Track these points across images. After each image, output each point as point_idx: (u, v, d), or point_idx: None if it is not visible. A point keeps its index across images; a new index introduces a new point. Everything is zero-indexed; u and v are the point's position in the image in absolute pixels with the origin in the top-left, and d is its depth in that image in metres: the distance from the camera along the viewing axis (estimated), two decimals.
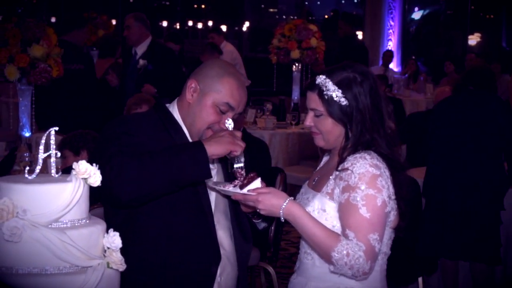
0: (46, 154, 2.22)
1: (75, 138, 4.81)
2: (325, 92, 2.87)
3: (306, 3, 21.75)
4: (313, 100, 2.92)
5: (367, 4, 17.70)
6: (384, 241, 2.86)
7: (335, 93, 2.86)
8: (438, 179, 5.46)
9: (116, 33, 10.70)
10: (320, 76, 2.92)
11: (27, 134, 5.70)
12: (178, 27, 20.52)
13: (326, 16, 24.73)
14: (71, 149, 4.77)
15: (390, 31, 17.12)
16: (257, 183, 2.84)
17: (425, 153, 5.70)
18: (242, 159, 3.06)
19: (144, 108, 5.59)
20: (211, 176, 2.90)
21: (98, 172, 2.18)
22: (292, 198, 2.84)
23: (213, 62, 3.23)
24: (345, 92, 2.86)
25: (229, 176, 3.10)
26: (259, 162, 3.15)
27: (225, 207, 3.16)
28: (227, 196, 3.08)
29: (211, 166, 2.92)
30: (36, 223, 2.04)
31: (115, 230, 2.69)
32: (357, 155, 2.82)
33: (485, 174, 5.31)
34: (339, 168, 2.84)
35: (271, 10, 26.67)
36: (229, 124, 3.06)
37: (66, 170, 2.28)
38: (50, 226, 2.07)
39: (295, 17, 10.48)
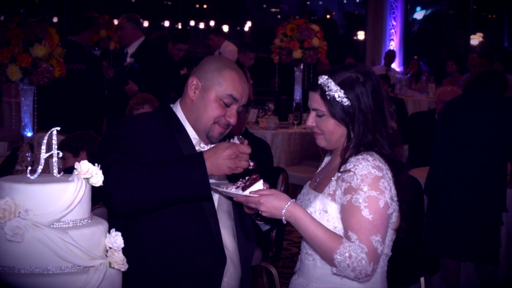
0: (48, 154, 2.22)
1: (74, 139, 4.83)
2: (327, 92, 2.86)
3: (308, 3, 21.75)
4: (315, 100, 2.91)
5: (369, 4, 17.70)
6: (385, 242, 2.85)
7: (337, 93, 2.85)
8: (442, 178, 5.45)
9: (164, 33, 10.73)
10: (323, 76, 2.91)
11: (29, 134, 5.70)
12: (180, 27, 20.53)
13: (328, 16, 24.74)
14: (70, 150, 4.78)
15: (392, 31, 17.12)
16: (259, 184, 2.83)
17: (430, 152, 5.68)
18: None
19: (146, 108, 5.59)
20: (210, 196, 2.91)
21: (100, 172, 2.18)
22: (294, 200, 2.83)
23: (211, 58, 3.23)
24: (348, 93, 2.85)
25: (232, 177, 3.09)
26: (261, 162, 3.15)
27: (229, 207, 3.16)
28: (229, 197, 3.07)
29: None
30: (38, 223, 2.04)
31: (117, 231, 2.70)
32: (359, 157, 2.82)
33: (488, 175, 5.30)
34: (341, 170, 2.83)
35: (273, 10, 26.67)
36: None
37: (67, 170, 2.28)
38: (52, 226, 2.07)
39: (297, 17, 10.48)
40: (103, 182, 2.71)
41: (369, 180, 2.76)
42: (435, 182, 5.49)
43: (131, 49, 8.01)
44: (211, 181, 2.91)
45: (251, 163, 3.01)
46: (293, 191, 7.29)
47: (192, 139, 3.11)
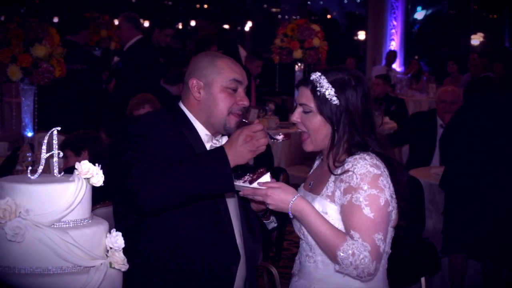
0: (48, 154, 2.22)
1: (76, 138, 4.81)
2: (318, 89, 2.88)
3: (309, 3, 21.75)
4: (305, 95, 2.92)
5: (369, 4, 17.69)
6: (386, 241, 2.85)
7: (328, 91, 2.86)
8: (473, 178, 5.33)
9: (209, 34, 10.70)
10: (316, 73, 2.93)
11: (30, 134, 5.69)
12: (180, 27, 20.52)
13: (328, 16, 24.72)
14: (72, 149, 4.77)
15: (393, 31, 17.12)
16: (266, 177, 2.84)
17: (446, 148, 5.57)
18: (252, 160, 3.07)
19: (147, 108, 5.59)
20: (234, 190, 2.91)
21: (101, 172, 2.18)
22: (301, 194, 2.84)
23: (198, 57, 3.24)
24: (338, 92, 2.87)
25: (239, 175, 3.10)
26: (262, 162, 3.15)
27: (236, 208, 3.17)
28: (236, 193, 3.07)
29: None
30: (38, 223, 2.04)
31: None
32: (356, 156, 2.82)
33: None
34: (339, 172, 2.83)
35: (274, 9, 26.66)
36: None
37: (67, 170, 2.28)
38: (52, 226, 2.07)
39: (298, 17, 10.47)
40: (127, 182, 2.74)
41: (369, 178, 2.76)
42: (462, 181, 5.36)
43: (125, 48, 8.05)
44: None
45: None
46: None
47: (205, 135, 3.12)
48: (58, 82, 5.62)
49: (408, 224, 2.97)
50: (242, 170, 3.07)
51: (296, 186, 3.15)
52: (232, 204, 3.15)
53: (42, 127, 5.87)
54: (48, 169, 2.70)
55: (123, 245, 2.17)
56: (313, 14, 22.70)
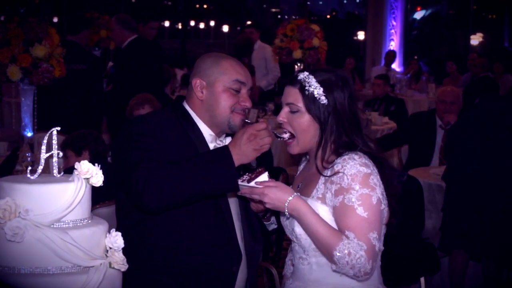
0: (48, 154, 2.22)
1: (77, 138, 4.81)
2: (306, 88, 2.88)
3: (308, 3, 21.75)
4: (293, 95, 2.92)
5: (369, 4, 17.70)
6: (381, 240, 2.86)
7: (317, 91, 2.87)
8: (473, 178, 5.32)
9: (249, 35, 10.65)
10: (304, 72, 2.93)
11: (29, 134, 5.70)
12: (180, 27, 20.52)
13: (328, 16, 24.73)
14: (73, 149, 4.77)
15: (392, 31, 17.12)
16: (264, 176, 2.84)
17: (453, 145, 5.54)
18: (254, 162, 3.07)
19: (146, 108, 5.59)
20: (238, 189, 2.90)
21: (100, 172, 2.18)
22: (298, 194, 2.83)
23: (204, 56, 3.25)
24: (326, 92, 2.87)
25: (239, 174, 3.10)
26: (261, 162, 3.16)
27: (237, 209, 3.18)
28: (235, 194, 3.08)
29: None
30: (38, 223, 2.04)
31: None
32: (345, 157, 2.82)
33: None
34: (329, 173, 2.83)
35: (273, 10, 26.67)
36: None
37: (68, 170, 2.28)
38: (52, 226, 2.07)
39: (297, 17, 10.49)
40: (133, 180, 2.75)
41: (359, 178, 2.77)
42: (464, 177, 5.34)
43: (121, 50, 8.04)
44: None
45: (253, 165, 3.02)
46: None
47: (208, 135, 3.12)
48: (57, 82, 5.62)
49: (402, 222, 2.97)
50: (243, 170, 3.08)
51: None
52: (233, 205, 3.15)
53: (41, 127, 5.87)
54: (47, 169, 2.70)
55: (122, 245, 2.17)
56: (313, 14, 22.71)
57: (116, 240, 2.17)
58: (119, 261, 2.15)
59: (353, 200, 2.75)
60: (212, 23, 23.23)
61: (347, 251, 2.68)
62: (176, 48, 20.00)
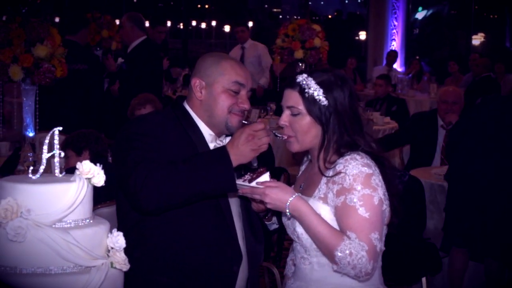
0: (50, 154, 2.22)
1: (78, 138, 4.79)
2: (306, 90, 2.87)
3: (310, 3, 21.75)
4: (293, 98, 2.92)
5: (370, 4, 17.69)
6: (382, 241, 2.86)
7: (316, 92, 2.86)
8: (480, 176, 5.31)
9: None
10: (302, 74, 2.92)
11: (31, 134, 5.70)
12: (181, 27, 20.53)
13: (329, 16, 24.73)
14: (73, 149, 4.76)
15: (394, 31, 17.11)
16: (265, 176, 2.84)
17: (455, 145, 5.54)
18: (255, 161, 3.07)
19: (148, 108, 5.59)
20: (236, 190, 2.90)
21: (102, 172, 2.18)
22: (299, 194, 2.83)
23: (204, 56, 3.23)
24: (326, 93, 2.86)
25: (240, 174, 3.10)
26: (263, 162, 3.16)
27: (238, 208, 3.17)
28: (236, 192, 3.08)
29: None
30: (40, 223, 2.04)
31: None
32: (347, 157, 2.82)
33: None
34: (331, 173, 2.83)
35: (275, 10, 26.67)
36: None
37: (68, 170, 2.28)
38: (54, 226, 2.07)
39: (299, 17, 10.51)
40: (131, 180, 2.75)
41: (361, 178, 2.76)
42: (467, 177, 5.33)
43: (129, 49, 8.03)
44: None
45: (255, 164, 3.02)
46: None
47: (208, 135, 3.12)
48: (59, 82, 5.63)
49: (404, 222, 2.96)
50: (245, 170, 3.08)
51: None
52: (234, 205, 3.15)
53: (43, 127, 5.88)
54: (49, 169, 2.70)
55: (124, 245, 2.17)
56: (314, 14, 22.71)
57: (118, 240, 2.17)
58: (121, 261, 2.15)
59: (355, 200, 2.74)
60: (213, 23, 23.22)
61: (349, 251, 2.68)
62: (177, 48, 20.00)
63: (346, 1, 26.25)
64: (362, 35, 19.88)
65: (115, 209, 3.24)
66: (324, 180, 2.87)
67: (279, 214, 3.11)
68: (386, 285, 2.99)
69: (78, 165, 2.15)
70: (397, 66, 15.89)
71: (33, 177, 2.17)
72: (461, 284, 5.47)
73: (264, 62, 10.77)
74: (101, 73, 8.18)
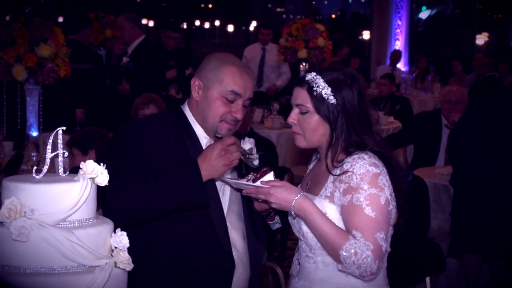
0: (53, 154, 2.22)
1: (84, 137, 4.78)
2: (314, 89, 2.87)
3: (313, 2, 21.74)
4: (301, 96, 2.91)
5: (374, 3, 17.68)
6: (388, 241, 2.85)
7: (325, 90, 2.86)
8: (484, 176, 5.31)
9: None
10: (311, 73, 2.92)
11: (35, 134, 5.71)
12: (185, 26, 20.53)
13: (333, 16, 24.71)
14: (79, 148, 4.75)
15: (398, 30, 17.10)
16: (270, 176, 2.83)
17: (456, 147, 5.54)
18: (256, 161, 3.06)
19: (151, 108, 5.59)
20: (207, 205, 2.93)
21: (106, 171, 2.18)
22: (304, 193, 2.83)
23: (210, 56, 3.20)
24: (334, 91, 2.86)
25: (242, 174, 3.09)
26: (266, 162, 3.15)
27: (239, 208, 3.16)
28: (239, 191, 3.07)
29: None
30: (43, 223, 2.04)
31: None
32: (355, 156, 2.82)
33: None
34: (338, 172, 2.83)
35: (278, 9, 26.66)
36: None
37: (74, 169, 2.28)
38: (57, 225, 2.07)
39: (302, 17, 10.51)
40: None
41: (368, 178, 2.76)
42: (472, 181, 5.33)
43: (130, 49, 8.03)
44: (226, 177, 2.95)
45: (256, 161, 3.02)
46: None
47: (204, 138, 3.12)
48: (63, 81, 5.63)
49: (408, 222, 2.96)
50: (246, 170, 3.07)
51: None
52: (235, 204, 3.14)
53: (47, 126, 5.88)
54: (53, 168, 2.70)
55: (127, 245, 2.17)
56: (318, 14, 22.70)
57: (122, 239, 2.17)
58: (125, 260, 2.15)
59: (361, 199, 2.74)
60: (217, 23, 23.22)
61: (354, 250, 2.68)
62: (181, 47, 19.99)
63: (350, 1, 26.24)
64: (366, 35, 19.85)
65: None
66: (331, 178, 2.87)
67: (282, 213, 3.10)
68: (390, 285, 2.98)
69: (82, 164, 2.15)
70: (401, 65, 15.87)
71: (37, 177, 2.17)
72: (477, 285, 5.44)
73: (283, 67, 10.75)
74: (104, 72, 8.19)
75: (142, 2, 23.38)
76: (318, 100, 2.86)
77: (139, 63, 7.81)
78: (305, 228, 2.87)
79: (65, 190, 2.11)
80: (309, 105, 2.89)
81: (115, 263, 2.14)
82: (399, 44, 16.96)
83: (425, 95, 13.18)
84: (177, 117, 3.12)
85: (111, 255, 2.15)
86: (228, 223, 3.09)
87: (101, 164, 2.19)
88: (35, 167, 2.21)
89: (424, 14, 21.66)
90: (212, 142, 3.10)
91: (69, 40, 6.71)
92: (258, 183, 2.80)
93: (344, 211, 2.79)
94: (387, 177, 2.81)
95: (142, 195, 2.83)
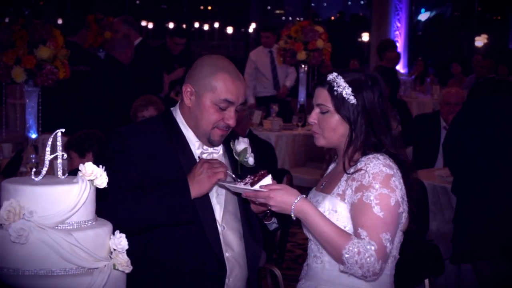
0: (52, 156, 2.22)
1: (81, 139, 4.76)
2: (335, 88, 2.89)
3: (313, 4, 21.76)
4: (322, 96, 2.93)
5: (373, 5, 17.69)
6: (394, 244, 2.86)
7: (345, 91, 2.87)
8: (478, 181, 5.31)
9: None
10: (332, 73, 2.94)
11: (34, 136, 5.70)
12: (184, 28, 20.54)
13: (332, 18, 24.73)
14: (77, 151, 4.74)
15: (397, 32, 17.10)
16: (268, 179, 2.83)
17: (451, 152, 5.54)
18: (251, 160, 3.08)
19: (150, 110, 5.59)
20: (193, 221, 2.96)
21: (105, 173, 2.18)
22: (304, 196, 2.83)
23: (202, 61, 3.16)
24: (355, 92, 2.88)
25: (239, 176, 3.09)
26: (265, 164, 3.15)
27: (235, 209, 3.16)
28: (237, 195, 3.07)
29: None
30: (42, 225, 2.04)
31: None
32: (370, 156, 2.83)
33: None
34: (352, 170, 2.84)
35: (277, 11, 26.67)
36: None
37: (72, 172, 2.28)
38: (56, 227, 2.08)
39: (301, 19, 10.52)
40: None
41: (381, 178, 2.77)
42: (477, 185, 5.33)
43: None
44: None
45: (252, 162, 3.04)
46: None
47: (195, 142, 3.12)
48: (62, 83, 5.63)
49: (418, 227, 2.97)
50: (242, 171, 3.07)
51: (300, 188, 3.14)
52: (231, 204, 3.14)
53: (46, 128, 5.88)
54: (52, 170, 2.70)
55: (126, 247, 2.17)
56: (317, 16, 22.71)
57: (120, 241, 2.17)
58: (123, 262, 2.16)
59: (371, 198, 2.75)
60: (216, 25, 23.22)
61: (357, 249, 2.67)
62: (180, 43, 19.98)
63: (349, 3, 26.24)
64: (365, 37, 19.86)
65: None
66: (344, 177, 2.88)
67: (280, 214, 3.11)
68: None
69: (81, 166, 2.16)
70: (400, 67, 15.87)
71: (36, 179, 2.17)
72: None
73: (289, 66, 10.73)
74: (102, 74, 8.20)
75: (141, 4, 23.37)
76: (338, 100, 2.88)
77: (137, 65, 7.83)
78: None
79: (64, 192, 2.11)
80: (330, 105, 2.90)
81: (114, 265, 2.14)
82: (398, 46, 16.96)
83: (424, 97, 13.19)
84: (169, 124, 3.13)
85: (110, 257, 2.16)
86: (224, 224, 3.09)
87: (101, 166, 2.20)
88: (34, 169, 2.21)
89: (423, 16, 21.68)
90: (204, 146, 3.11)
91: (66, 42, 6.71)
92: (257, 187, 2.80)
93: (353, 209, 2.79)
94: (401, 180, 2.82)
95: (132, 214, 2.85)
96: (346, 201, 2.84)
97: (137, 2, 23.32)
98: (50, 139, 2.22)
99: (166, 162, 3.03)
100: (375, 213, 2.74)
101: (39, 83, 5.48)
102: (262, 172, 2.85)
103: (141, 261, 2.97)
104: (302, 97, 9.40)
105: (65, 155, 2.24)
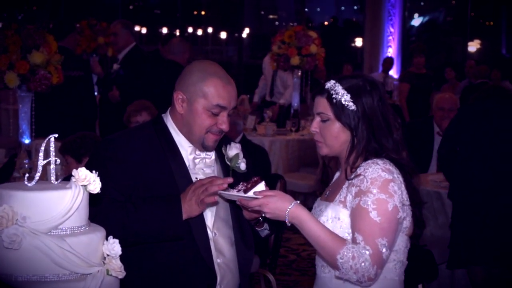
0: (45, 161, 2.21)
1: (76, 144, 4.69)
2: (334, 96, 2.88)
3: (306, 9, 21.78)
4: (321, 104, 2.93)
5: (367, 10, 17.74)
6: (401, 249, 2.86)
7: (344, 97, 2.87)
8: (473, 185, 5.33)
9: None
10: (330, 81, 2.94)
11: (27, 141, 5.69)
12: (178, 33, 20.52)
13: (325, 23, 24.76)
14: (73, 156, 4.68)
15: (390, 37, 17.14)
16: (261, 186, 2.82)
17: (446, 158, 5.56)
18: (243, 165, 3.08)
19: (144, 115, 5.59)
20: (183, 238, 2.97)
21: (98, 179, 2.18)
22: (298, 201, 2.83)
23: (192, 68, 3.16)
24: (354, 98, 2.87)
25: (231, 184, 3.09)
26: (259, 169, 3.16)
27: (227, 215, 3.15)
28: (230, 202, 3.07)
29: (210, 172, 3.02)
30: (35, 230, 2.04)
31: None
32: (369, 161, 2.83)
33: None
34: (352, 176, 2.84)
35: (271, 16, 26.69)
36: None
37: (67, 178, 2.27)
38: (49, 233, 2.07)
39: (295, 24, 10.53)
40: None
41: (379, 183, 2.76)
42: (471, 190, 5.34)
43: (121, 56, 8.08)
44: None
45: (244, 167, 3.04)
46: None
47: (187, 148, 3.12)
48: (55, 89, 5.62)
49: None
50: (234, 176, 3.07)
51: (293, 193, 3.14)
52: (223, 210, 3.14)
53: (39, 134, 5.87)
54: (45, 176, 2.70)
55: (120, 252, 2.17)
56: (311, 21, 22.74)
57: (114, 247, 2.16)
58: (117, 268, 2.15)
59: (369, 203, 2.74)
60: (210, 30, 23.23)
61: (351, 254, 2.67)
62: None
63: (342, 8, 26.28)
64: (358, 42, 19.90)
65: None
66: (346, 184, 2.88)
67: (272, 220, 3.10)
68: None
69: (74, 172, 2.15)
70: (393, 72, 15.90)
71: (29, 184, 2.16)
72: None
73: (289, 79, 10.68)
74: (91, 79, 8.23)
75: (135, 9, 23.37)
76: (338, 107, 2.88)
77: (129, 69, 7.84)
78: None
79: (57, 198, 2.10)
80: (330, 113, 2.90)
81: (107, 270, 2.13)
82: (391, 51, 16.99)
83: None
84: (160, 130, 3.13)
85: (103, 262, 2.15)
86: (215, 230, 3.09)
87: (94, 171, 2.19)
88: (27, 175, 2.21)
89: (416, 21, 21.74)
90: (196, 151, 3.11)
91: (58, 47, 6.71)
92: (250, 194, 2.79)
93: (352, 214, 2.79)
94: (401, 185, 2.82)
95: (123, 230, 2.83)
96: (347, 207, 2.84)
97: (131, 7, 23.32)
98: (43, 145, 2.22)
99: (157, 168, 3.03)
100: (372, 218, 2.73)
101: (32, 88, 5.47)
102: (255, 178, 2.85)
103: (130, 267, 2.97)
104: (295, 102, 9.41)
105: (58, 161, 2.24)
